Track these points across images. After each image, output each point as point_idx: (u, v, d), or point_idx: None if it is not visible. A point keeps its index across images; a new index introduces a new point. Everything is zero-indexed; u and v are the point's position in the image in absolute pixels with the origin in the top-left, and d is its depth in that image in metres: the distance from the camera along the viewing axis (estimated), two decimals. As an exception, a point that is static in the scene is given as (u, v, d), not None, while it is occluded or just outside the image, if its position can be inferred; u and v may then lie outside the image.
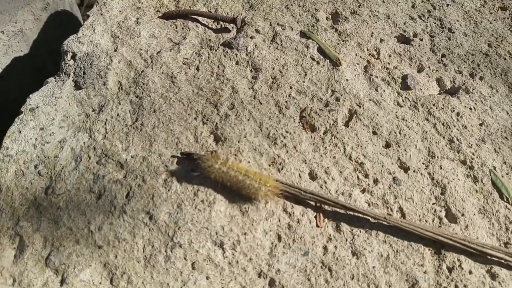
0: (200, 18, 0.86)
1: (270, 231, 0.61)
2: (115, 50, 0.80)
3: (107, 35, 0.82)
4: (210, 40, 0.83)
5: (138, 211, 0.61)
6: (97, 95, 0.74)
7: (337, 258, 0.60)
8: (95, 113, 0.72)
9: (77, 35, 0.83)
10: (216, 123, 0.71)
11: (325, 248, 0.61)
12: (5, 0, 0.97)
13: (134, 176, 0.64)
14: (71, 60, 0.79)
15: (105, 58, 0.78)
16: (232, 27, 0.85)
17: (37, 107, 0.72)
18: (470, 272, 0.60)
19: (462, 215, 0.64)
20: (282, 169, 0.67)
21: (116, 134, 0.69)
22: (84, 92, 0.74)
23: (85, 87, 0.75)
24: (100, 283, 0.57)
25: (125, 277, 0.57)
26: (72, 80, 0.76)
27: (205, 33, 0.84)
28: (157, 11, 0.88)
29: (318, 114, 0.73)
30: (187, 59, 0.79)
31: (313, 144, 0.70)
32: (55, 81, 0.77)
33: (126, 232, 0.60)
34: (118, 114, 0.71)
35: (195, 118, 0.71)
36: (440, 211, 0.65)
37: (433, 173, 0.68)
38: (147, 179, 0.64)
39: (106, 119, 0.71)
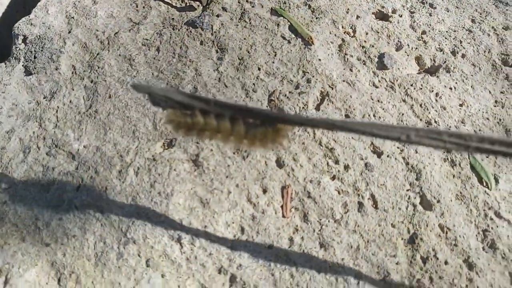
0: (163, -4, 0.80)
1: (233, 223, 0.57)
2: (69, 32, 0.74)
3: (61, 16, 0.77)
4: (173, 19, 0.77)
5: (89, 205, 0.57)
6: (49, 80, 0.69)
7: (303, 251, 0.56)
8: (46, 100, 0.67)
9: (29, 17, 0.77)
10: (177, 109, 0.66)
11: (291, 239, 0.57)
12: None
13: (86, 167, 0.60)
14: (22, 44, 0.74)
15: (58, 41, 0.73)
16: (198, 5, 0.80)
17: (-17, 94, 0.67)
18: (446, 263, 0.56)
19: (438, 201, 0.60)
20: (247, 156, 0.62)
21: (68, 123, 0.64)
22: (35, 78, 0.69)
23: (36, 73, 0.70)
24: (46, 283, 0.53)
25: (74, 277, 0.53)
26: (22, 65, 0.71)
27: (168, 11, 0.79)
28: (117, -11, 0.82)
29: (288, 97, 0.69)
30: (147, 39, 0.74)
31: (281, 129, 0.65)
32: (5, 67, 0.72)
33: (76, 228, 0.56)
34: (71, 101, 0.66)
35: (154, 104, 0.66)
36: (415, 197, 0.61)
37: (408, 158, 0.63)
38: (100, 170, 0.59)
39: (58, 107, 0.66)
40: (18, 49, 0.73)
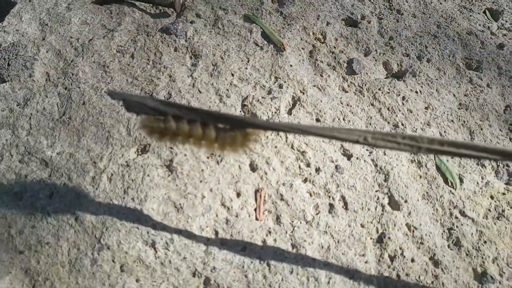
0: (137, 3, 0.81)
1: (207, 227, 0.58)
2: (43, 39, 0.74)
3: (35, 23, 0.77)
4: (147, 25, 0.78)
5: (62, 212, 0.57)
6: (23, 88, 0.69)
7: (276, 252, 0.57)
8: (19, 107, 0.67)
9: (2, 24, 0.76)
10: (151, 115, 0.67)
11: (264, 242, 0.58)
12: None
13: (59, 174, 0.60)
14: (-5, 50, 0.73)
15: (32, 48, 0.73)
16: (172, 12, 0.81)
17: (-46, 102, 0.66)
18: (413, 260, 0.58)
19: (405, 201, 0.63)
20: (221, 161, 0.64)
21: (42, 130, 0.64)
22: (9, 85, 0.69)
23: (9, 80, 0.70)
24: (20, 291, 0.53)
25: (48, 284, 0.53)
26: (-5, 73, 0.71)
27: (142, 18, 0.80)
28: (91, -4, 0.83)
29: (261, 102, 0.70)
30: (121, 46, 0.74)
31: (254, 133, 0.67)
32: (-23, 74, 0.71)
33: (50, 235, 0.56)
34: (44, 108, 0.66)
35: (128, 110, 0.67)
36: (383, 198, 0.63)
37: (376, 160, 0.66)
38: (74, 177, 0.60)
39: (31, 114, 0.66)
40: (-10, 56, 0.72)
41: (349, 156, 0.66)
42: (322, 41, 0.80)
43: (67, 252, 0.55)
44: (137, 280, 0.54)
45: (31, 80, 0.69)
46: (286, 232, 0.59)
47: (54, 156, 0.61)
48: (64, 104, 0.67)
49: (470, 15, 0.89)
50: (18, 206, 0.58)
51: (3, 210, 0.58)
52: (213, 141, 0.47)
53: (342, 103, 0.71)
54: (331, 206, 0.61)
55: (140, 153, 0.63)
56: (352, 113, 0.70)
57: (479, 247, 0.60)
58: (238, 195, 0.61)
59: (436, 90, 0.76)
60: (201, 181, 0.62)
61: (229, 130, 0.46)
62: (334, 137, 0.42)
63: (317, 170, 0.64)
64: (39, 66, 0.71)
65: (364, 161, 0.65)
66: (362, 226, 0.60)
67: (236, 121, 0.46)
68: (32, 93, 0.68)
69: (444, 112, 0.73)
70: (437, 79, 0.77)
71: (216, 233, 0.58)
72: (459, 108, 0.74)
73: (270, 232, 0.59)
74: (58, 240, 0.55)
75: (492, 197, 0.65)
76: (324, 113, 0.69)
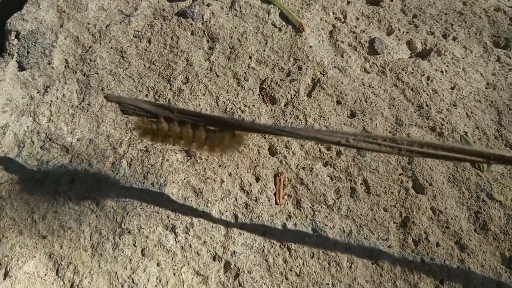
0: (153, -13, 0.80)
1: (226, 211, 0.58)
2: (61, 26, 0.74)
3: (53, 10, 0.77)
4: (163, 10, 0.77)
5: (84, 197, 0.58)
6: (42, 75, 0.69)
7: (296, 236, 0.57)
8: (40, 94, 0.67)
9: (21, 12, 0.77)
10: (169, 99, 0.66)
11: (284, 226, 0.57)
12: None
13: (80, 160, 0.61)
14: (15, 39, 0.74)
15: (50, 35, 0.73)
16: (188, -5, 0.80)
17: (-23, 91, 0.67)
18: (438, 245, 0.57)
19: (430, 184, 0.61)
20: (239, 145, 0.63)
21: (62, 116, 0.65)
22: (29, 73, 0.70)
23: (29, 68, 0.70)
24: (45, 274, 0.54)
25: (71, 267, 0.54)
26: (16, 61, 0.71)
27: (158, 2, 0.79)
28: (107, -19, 0.82)
29: (279, 85, 0.69)
30: (138, 31, 0.74)
31: (273, 117, 0.66)
32: (-2, 62, 0.72)
33: (72, 220, 0.56)
34: (64, 95, 0.67)
35: (146, 95, 0.67)
36: (407, 181, 0.61)
37: (399, 142, 0.64)
38: (94, 163, 0.60)
39: (51, 101, 0.66)
40: (11, 44, 0.73)
41: (371, 139, 0.64)
42: (343, 20, 0.78)
43: (89, 236, 0.55)
44: (158, 264, 0.54)
45: (50, 67, 0.70)
46: (307, 217, 0.58)
47: (75, 142, 0.62)
48: (83, 91, 0.67)
49: (499, -10, 0.85)
50: (41, 192, 0.59)
51: (26, 196, 0.58)
52: (203, 143, 0.48)
53: (364, 85, 0.69)
54: (353, 190, 0.60)
55: (158, 138, 0.63)
56: (375, 94, 0.68)
57: (507, 231, 0.58)
58: (257, 179, 0.61)
59: (463, 69, 0.72)
60: (220, 166, 0.61)
61: (218, 132, 0.48)
62: (317, 138, 0.44)
63: (338, 153, 0.63)
64: (57, 53, 0.71)
65: (387, 143, 0.63)
66: (385, 210, 0.59)
67: (223, 123, 0.48)
68: (51, 80, 0.68)
69: (471, 92, 0.70)
70: (463, 58, 0.74)
71: (236, 217, 0.58)
72: (486, 88, 0.71)
73: (290, 217, 0.58)
74: (80, 225, 0.56)
75: (521, 180, 0.62)
76: (345, 95, 0.68)
